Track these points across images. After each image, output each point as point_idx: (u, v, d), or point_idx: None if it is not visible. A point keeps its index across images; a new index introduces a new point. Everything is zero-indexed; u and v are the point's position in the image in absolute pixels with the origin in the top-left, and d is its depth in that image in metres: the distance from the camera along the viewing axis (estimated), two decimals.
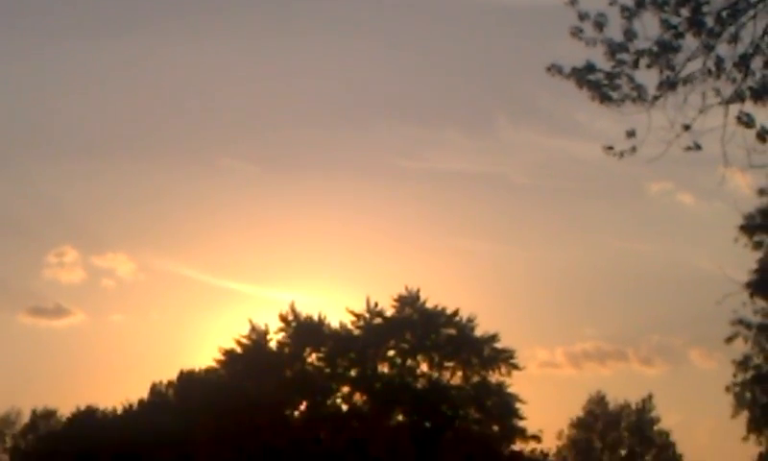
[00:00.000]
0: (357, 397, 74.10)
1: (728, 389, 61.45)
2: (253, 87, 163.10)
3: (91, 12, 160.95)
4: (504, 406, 73.90)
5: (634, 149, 19.08)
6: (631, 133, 19.02)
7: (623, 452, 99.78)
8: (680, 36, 19.14)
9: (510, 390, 74.16)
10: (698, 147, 18.95)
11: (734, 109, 18.90)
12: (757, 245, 58.31)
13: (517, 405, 74.07)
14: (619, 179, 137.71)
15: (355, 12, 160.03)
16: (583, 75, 19.34)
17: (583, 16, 19.42)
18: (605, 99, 19.21)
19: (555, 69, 19.66)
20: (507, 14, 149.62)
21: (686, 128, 18.87)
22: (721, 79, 19.06)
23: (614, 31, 19.44)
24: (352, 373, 74.23)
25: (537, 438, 74.84)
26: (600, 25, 19.37)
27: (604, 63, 19.44)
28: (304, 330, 74.74)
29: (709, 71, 19.02)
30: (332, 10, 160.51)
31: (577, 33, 19.38)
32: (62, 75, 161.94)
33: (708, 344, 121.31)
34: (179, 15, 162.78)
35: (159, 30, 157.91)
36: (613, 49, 19.09)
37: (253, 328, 75.51)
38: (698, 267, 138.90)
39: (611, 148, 19.29)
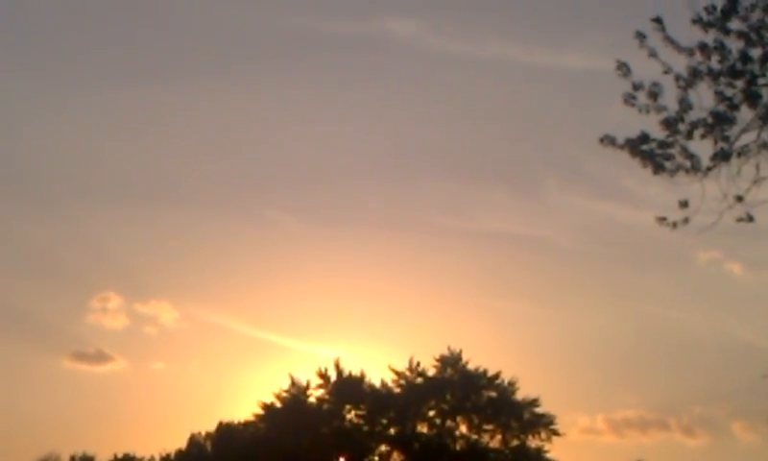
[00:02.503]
0: (395, 456, 73.71)
1: None
2: (298, 141, 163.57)
3: (139, 59, 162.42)
4: None
5: (686, 220, 19.00)
6: (684, 204, 18.95)
7: None
8: (735, 107, 19.12)
9: (549, 456, 73.56)
10: (750, 219, 18.87)
11: None
12: None
13: None
14: (667, 246, 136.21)
15: (402, 67, 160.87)
16: (636, 145, 19.28)
17: (637, 86, 19.41)
18: (658, 169, 19.15)
19: (608, 140, 19.61)
20: (558, 77, 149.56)
21: (739, 199, 18.80)
22: None
23: (668, 99, 19.43)
24: (391, 431, 73.92)
25: None
26: (655, 95, 19.37)
27: (657, 132, 19.41)
28: (344, 387, 74.58)
29: (764, 144, 18.98)
30: (379, 66, 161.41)
31: (630, 100, 19.36)
32: (110, 120, 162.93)
33: (751, 417, 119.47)
34: (226, 67, 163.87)
35: (207, 80, 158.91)
36: (669, 121, 19.06)
37: (293, 383, 75.46)
38: (743, 339, 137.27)
39: (663, 219, 19.20)
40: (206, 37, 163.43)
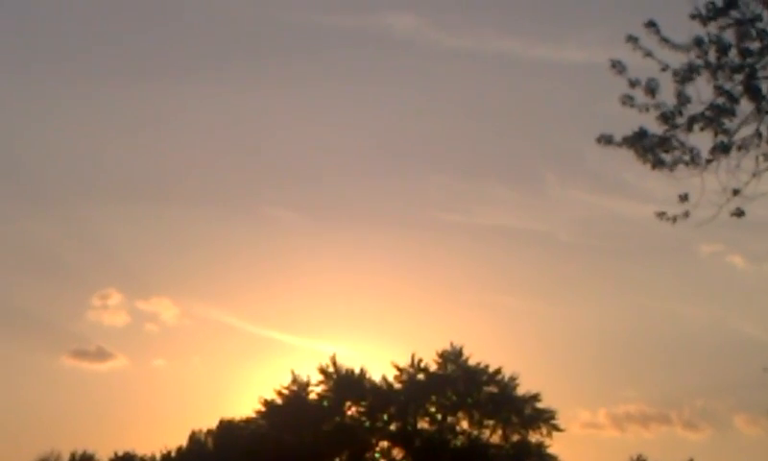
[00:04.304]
0: (396, 452, 73.71)
1: None
2: (299, 137, 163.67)
3: (138, 57, 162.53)
4: None
5: (687, 214, 18.89)
6: (684, 198, 18.86)
7: None
8: (734, 100, 19.04)
9: (550, 451, 73.59)
10: (741, 213, 18.80)
11: None
12: None
13: None
14: (668, 240, 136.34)
15: (404, 64, 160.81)
16: (634, 142, 19.17)
17: (634, 83, 19.29)
18: (657, 164, 19.05)
19: (605, 139, 19.46)
20: (557, 71, 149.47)
21: (736, 192, 18.73)
22: None
23: (667, 93, 19.32)
24: (392, 427, 73.92)
25: None
26: (652, 91, 19.25)
27: (656, 126, 19.29)
28: (345, 383, 74.58)
29: (760, 135, 18.90)
30: (380, 61, 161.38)
31: (628, 101, 19.24)
32: (110, 119, 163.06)
33: (753, 410, 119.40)
34: (226, 64, 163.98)
35: (207, 78, 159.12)
36: (667, 115, 18.96)
37: (295, 380, 75.46)
38: (744, 332, 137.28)
39: (663, 213, 19.09)
40: (206, 36, 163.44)
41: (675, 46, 19.03)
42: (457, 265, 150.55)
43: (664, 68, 19.07)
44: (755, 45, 18.99)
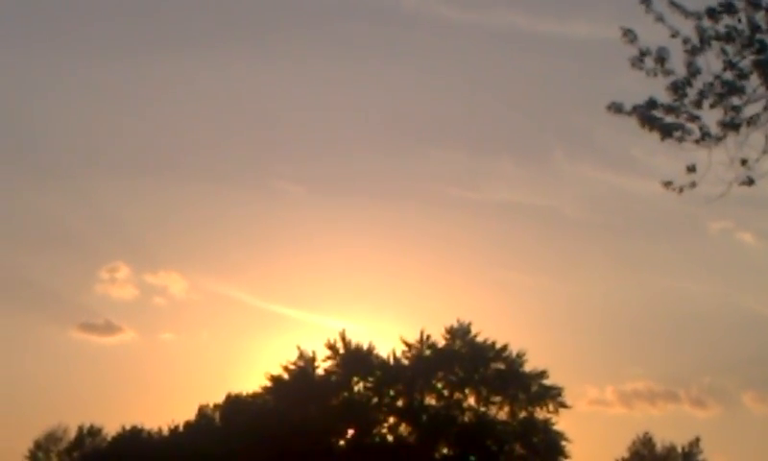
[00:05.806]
0: (403, 428, 73.86)
1: None
2: (307, 112, 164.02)
3: (150, 30, 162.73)
4: (550, 444, 73.39)
5: (693, 184, 18.83)
6: (691, 169, 18.78)
7: None
8: (744, 76, 18.94)
9: (556, 427, 73.72)
10: (751, 182, 18.72)
11: None
12: None
13: (563, 443, 73.59)
14: (676, 216, 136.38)
15: (411, 39, 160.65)
16: (645, 111, 19.08)
17: (644, 53, 19.20)
18: (666, 135, 18.97)
19: (615, 108, 19.39)
20: (565, 46, 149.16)
21: (743, 162, 18.65)
22: None
23: (676, 64, 19.21)
24: (399, 403, 74.09)
25: None
26: (662, 59, 19.17)
27: (665, 97, 19.20)
28: (352, 359, 74.71)
29: None
30: (388, 36, 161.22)
31: (637, 63, 19.15)
32: (120, 92, 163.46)
33: (762, 387, 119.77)
34: (236, 38, 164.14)
35: (216, 52, 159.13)
36: (677, 86, 18.85)
37: (301, 355, 75.61)
38: (753, 309, 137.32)
39: (669, 183, 19.04)
40: (213, 9, 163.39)
41: (687, 13, 18.90)
42: (465, 241, 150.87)
43: (674, 34, 18.93)
44: (764, 19, 18.86)
